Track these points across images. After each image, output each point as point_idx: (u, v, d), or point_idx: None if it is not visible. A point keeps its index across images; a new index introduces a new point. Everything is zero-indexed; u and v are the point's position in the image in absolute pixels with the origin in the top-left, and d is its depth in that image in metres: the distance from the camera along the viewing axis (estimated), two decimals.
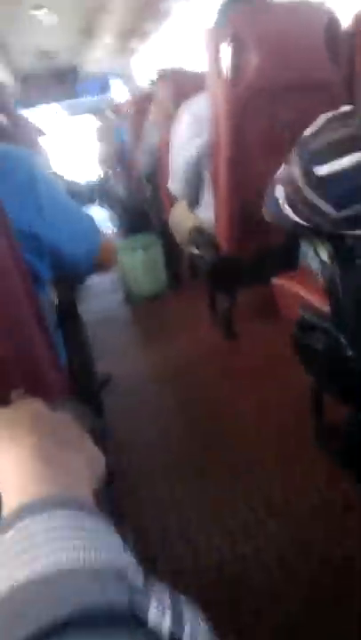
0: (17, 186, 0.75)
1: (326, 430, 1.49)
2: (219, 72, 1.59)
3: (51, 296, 0.98)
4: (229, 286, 2.17)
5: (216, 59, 1.58)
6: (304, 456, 1.44)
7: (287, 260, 1.56)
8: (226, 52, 1.56)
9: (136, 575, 0.26)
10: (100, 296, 3.24)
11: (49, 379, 0.76)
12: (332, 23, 1.59)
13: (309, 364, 1.32)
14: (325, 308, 1.17)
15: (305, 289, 1.30)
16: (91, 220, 0.92)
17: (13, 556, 0.26)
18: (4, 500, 0.33)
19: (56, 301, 0.95)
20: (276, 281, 1.45)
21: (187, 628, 0.24)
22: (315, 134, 0.88)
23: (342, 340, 1.08)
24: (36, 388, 0.41)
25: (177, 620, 0.24)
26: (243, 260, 1.99)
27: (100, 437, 0.47)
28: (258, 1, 1.64)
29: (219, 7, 1.68)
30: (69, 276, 0.95)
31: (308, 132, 0.91)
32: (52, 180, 0.83)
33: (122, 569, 0.26)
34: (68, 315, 0.97)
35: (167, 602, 0.25)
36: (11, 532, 0.28)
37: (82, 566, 0.25)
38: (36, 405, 0.42)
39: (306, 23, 1.60)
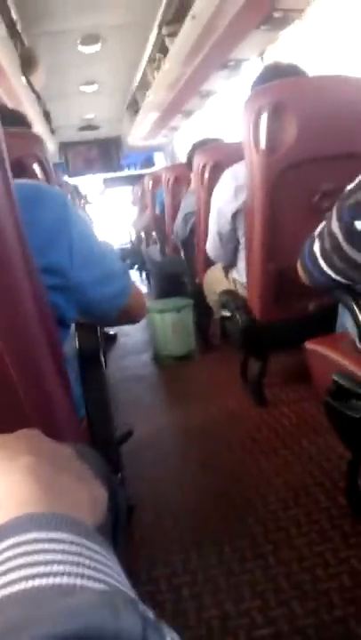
0: (49, 223, 0.74)
1: None
2: (256, 140, 1.63)
3: (74, 341, 0.96)
4: (261, 351, 2.12)
5: (254, 126, 1.61)
6: (335, 533, 1.33)
7: (322, 324, 1.51)
8: (264, 119, 1.59)
9: (146, 609, 0.22)
10: (128, 355, 3.23)
11: (65, 427, 0.72)
12: None
13: (344, 432, 1.24)
14: None
15: (339, 353, 1.24)
16: (122, 266, 0.91)
17: (10, 569, 0.23)
18: None
19: (76, 346, 0.92)
20: (308, 345, 1.40)
21: None
22: (355, 189, 0.86)
23: None
24: (51, 434, 0.37)
25: None
26: (276, 325, 1.94)
27: (114, 488, 0.43)
28: (295, 73, 1.70)
29: (254, 81, 1.74)
30: (95, 321, 0.93)
31: (349, 187, 0.89)
32: (84, 221, 0.82)
33: (134, 598, 0.22)
34: (90, 362, 0.94)
35: None
36: (8, 542, 0.24)
37: (92, 585, 0.22)
38: (37, 432, 0.38)
39: (346, 96, 1.63)
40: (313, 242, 1.03)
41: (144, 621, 0.20)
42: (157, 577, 1.29)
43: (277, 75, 1.68)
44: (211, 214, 2.09)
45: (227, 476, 1.67)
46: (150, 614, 0.21)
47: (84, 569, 0.23)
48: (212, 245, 2.14)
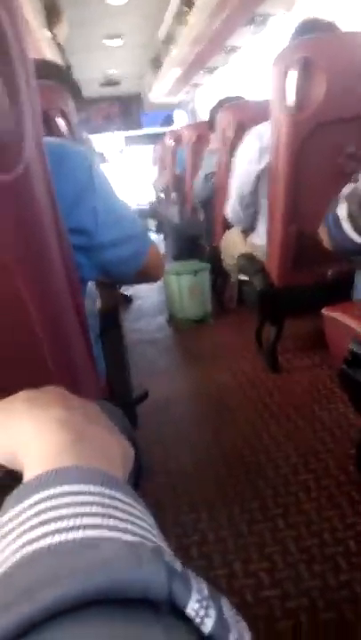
0: (75, 184, 0.73)
1: None
2: (284, 98, 1.57)
3: (95, 302, 0.95)
4: (277, 317, 2.11)
5: (282, 84, 1.56)
6: (343, 499, 1.35)
7: (340, 291, 1.49)
8: (293, 77, 1.53)
9: (174, 559, 0.21)
10: (143, 318, 3.24)
11: (86, 385, 0.73)
12: None
13: (358, 400, 1.24)
14: None
15: (358, 321, 1.23)
16: (141, 226, 0.90)
17: (33, 526, 0.22)
18: (26, 475, 0.29)
19: (98, 307, 0.92)
20: (326, 312, 1.38)
21: (231, 637, 0.19)
22: None
23: None
24: (73, 391, 0.37)
25: (221, 622, 0.19)
26: (293, 291, 1.93)
27: (136, 445, 0.43)
28: (330, 31, 1.63)
29: (291, 34, 1.67)
30: (113, 280, 0.92)
31: None
32: (107, 181, 0.81)
33: (159, 548, 0.21)
34: (110, 323, 0.94)
35: (209, 598, 0.20)
36: (34, 498, 0.24)
37: (120, 536, 0.21)
38: (62, 389, 0.38)
39: None
40: (338, 204, 1.00)
41: (169, 571, 0.20)
42: (167, 536, 1.31)
43: (313, 30, 1.61)
44: (233, 176, 2.05)
45: (239, 440, 1.69)
46: (177, 564, 0.21)
47: (112, 520, 0.23)
48: (232, 208, 2.10)
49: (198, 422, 1.85)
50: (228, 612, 0.20)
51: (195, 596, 0.20)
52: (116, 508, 0.24)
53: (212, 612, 0.19)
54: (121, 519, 0.23)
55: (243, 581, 1.15)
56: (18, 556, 0.21)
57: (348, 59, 1.54)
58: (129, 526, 0.23)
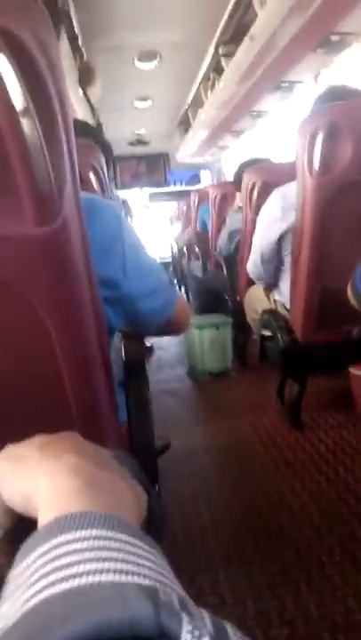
0: (104, 236, 0.76)
1: None
2: (310, 160, 1.62)
3: (120, 351, 0.96)
4: (300, 373, 2.08)
5: (308, 147, 1.61)
6: None
7: None
8: (319, 141, 1.58)
9: (169, 595, 0.22)
10: (164, 368, 3.24)
11: (107, 433, 0.72)
12: None
13: None
14: None
15: None
16: (168, 278, 0.92)
17: (35, 580, 0.23)
18: (40, 520, 0.29)
19: (123, 356, 0.93)
20: (354, 370, 1.37)
21: None
22: None
23: None
24: (94, 438, 0.38)
25: None
26: (317, 348, 1.91)
27: (151, 496, 0.42)
28: (356, 97, 1.69)
29: (316, 98, 1.74)
30: (139, 331, 0.93)
31: None
32: (135, 234, 0.84)
33: (149, 585, 0.22)
34: (135, 373, 0.94)
35: (208, 625, 0.20)
36: (41, 549, 0.25)
37: (107, 581, 0.22)
38: (79, 435, 0.38)
39: None
40: None
41: (156, 607, 0.20)
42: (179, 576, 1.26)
43: (339, 96, 1.68)
44: (255, 234, 2.09)
45: (260, 498, 1.64)
46: (173, 599, 0.21)
47: (110, 563, 0.23)
48: (253, 265, 2.13)
49: (218, 477, 1.81)
50: (234, 636, 0.21)
51: (186, 628, 0.20)
52: (122, 550, 0.24)
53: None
54: (126, 561, 0.24)
55: None
56: (21, 611, 0.21)
57: None
58: (133, 568, 0.23)
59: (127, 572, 0.23)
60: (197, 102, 4.80)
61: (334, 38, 2.73)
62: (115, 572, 0.23)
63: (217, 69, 3.84)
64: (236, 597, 1.24)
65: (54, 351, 0.61)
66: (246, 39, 2.87)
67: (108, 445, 0.70)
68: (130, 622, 0.19)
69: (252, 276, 2.23)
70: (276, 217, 1.90)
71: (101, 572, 0.22)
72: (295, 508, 1.57)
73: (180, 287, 6.17)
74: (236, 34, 3.23)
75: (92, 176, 1.37)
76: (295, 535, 1.44)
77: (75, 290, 0.60)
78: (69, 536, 0.25)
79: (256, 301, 2.36)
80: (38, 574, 0.23)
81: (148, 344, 3.64)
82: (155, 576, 0.24)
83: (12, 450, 0.36)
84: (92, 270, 0.63)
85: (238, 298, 2.80)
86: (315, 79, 3.42)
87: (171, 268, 6.67)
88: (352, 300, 1.14)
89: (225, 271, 3.18)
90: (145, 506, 0.37)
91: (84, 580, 0.22)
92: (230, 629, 0.21)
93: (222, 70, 3.58)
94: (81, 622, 0.19)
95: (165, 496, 1.66)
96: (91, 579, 0.22)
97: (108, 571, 0.22)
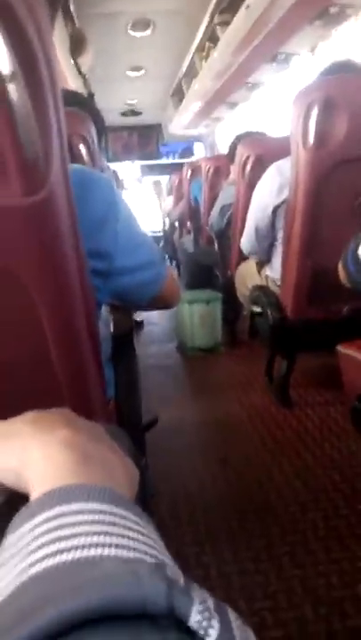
0: (98, 209, 0.74)
1: None
2: (304, 134, 1.59)
3: (108, 326, 0.95)
4: (289, 350, 2.09)
5: (303, 121, 1.58)
6: (352, 541, 1.31)
7: (354, 328, 1.48)
8: (314, 114, 1.55)
9: (176, 573, 0.22)
10: (154, 344, 3.24)
11: (95, 407, 0.72)
12: None
13: None
14: None
15: None
16: (159, 253, 0.90)
17: (35, 548, 0.23)
18: (32, 495, 0.29)
19: (111, 330, 0.92)
20: (341, 348, 1.37)
21: None
22: None
23: None
24: (82, 413, 0.37)
25: (225, 632, 0.19)
26: (306, 325, 1.91)
27: (142, 469, 0.42)
28: (356, 71, 1.65)
29: (320, 72, 1.70)
30: (128, 305, 0.92)
31: None
32: (128, 207, 0.82)
33: (160, 563, 0.22)
34: (123, 347, 0.93)
35: (212, 607, 0.20)
36: (38, 519, 0.24)
37: (120, 553, 0.22)
38: (69, 410, 0.38)
39: None
40: (358, 243, 1.00)
41: (169, 586, 0.20)
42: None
43: (343, 71, 1.64)
44: (251, 208, 2.06)
45: (247, 474, 1.66)
46: (180, 578, 0.21)
47: (112, 538, 0.23)
48: (247, 239, 2.11)
49: (206, 452, 1.82)
50: (235, 621, 0.21)
51: (196, 608, 0.20)
52: (119, 525, 0.24)
53: (215, 623, 0.19)
54: (124, 536, 0.23)
55: (246, 620, 1.10)
56: (22, 578, 0.21)
57: None
58: (132, 543, 0.23)
59: (129, 548, 0.23)
60: (192, 72, 4.70)
61: (333, 10, 2.66)
62: (117, 546, 0.22)
63: (212, 39, 3.74)
64: (220, 571, 1.25)
65: (41, 324, 0.60)
66: (242, 8, 2.79)
67: (97, 420, 0.70)
68: (142, 599, 0.19)
69: (245, 251, 2.21)
70: (271, 191, 1.88)
71: (104, 545, 0.22)
72: (281, 484, 1.58)
73: (171, 262, 6.14)
74: (232, 2, 3.13)
75: (81, 147, 1.34)
76: (281, 511, 1.46)
77: (61, 261, 0.58)
78: (66, 508, 0.25)
79: (247, 277, 2.35)
80: (37, 543, 0.23)
81: (138, 319, 3.63)
82: (154, 553, 0.24)
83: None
84: (79, 242, 0.61)
85: (229, 273, 2.79)
86: (312, 52, 3.35)
87: (162, 243, 6.61)
88: (343, 278, 1.13)
89: (216, 246, 3.16)
90: (137, 480, 0.37)
91: (91, 552, 0.22)
92: (231, 613, 0.21)
93: (217, 40, 3.50)
94: (93, 595, 0.19)
95: (153, 470, 1.67)
96: (94, 552, 0.22)
97: (110, 545, 0.22)
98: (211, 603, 0.21)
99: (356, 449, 1.70)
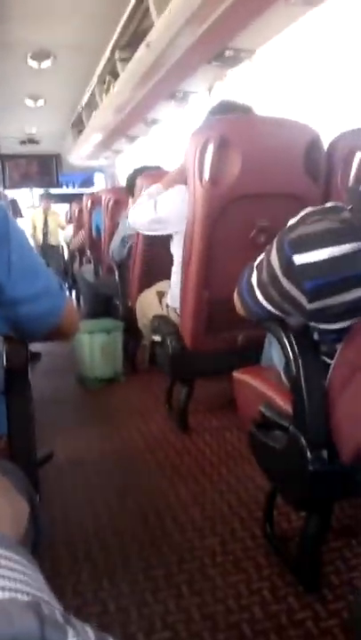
0: None
1: (278, 536, 1.40)
2: (200, 171, 1.66)
3: (1, 358, 0.92)
4: (188, 378, 2.13)
5: (199, 157, 1.65)
6: (248, 564, 1.33)
7: (249, 356, 1.54)
8: (210, 152, 1.63)
9: (52, 610, 0.22)
10: (51, 375, 3.15)
11: None
12: (315, 144, 1.70)
13: (266, 463, 1.26)
14: (287, 406, 1.13)
15: (267, 385, 1.27)
16: (57, 282, 0.89)
17: None
18: None
19: (4, 363, 0.88)
20: (237, 375, 1.42)
21: None
22: (297, 225, 0.90)
23: (302, 440, 1.03)
24: None
25: None
26: (205, 354, 1.97)
27: (35, 505, 0.41)
28: (242, 111, 1.77)
29: (209, 110, 1.79)
30: (24, 337, 0.90)
31: (290, 222, 0.93)
32: (23, 235, 0.81)
33: (32, 601, 0.22)
34: (16, 381, 0.90)
35: (93, 638, 0.21)
36: None
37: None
38: None
39: (289, 139, 1.71)
40: (251, 272, 1.06)
41: (41, 622, 0.20)
42: (65, 607, 1.23)
43: (230, 110, 1.74)
44: (159, 207, 2.01)
45: (145, 504, 1.65)
46: (55, 614, 0.21)
47: None
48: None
49: (103, 486, 1.79)
50: None
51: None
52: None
53: None
54: (2, 576, 0.24)
55: None
56: None
57: (262, 140, 1.67)
58: (7, 583, 0.23)
59: (3, 589, 0.22)
60: (92, 104, 4.75)
61: (228, 53, 2.85)
62: None
63: (113, 73, 3.82)
64: (119, 605, 1.22)
65: None
66: (142, 45, 2.90)
67: None
68: (13, 637, 0.19)
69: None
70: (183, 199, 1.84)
71: None
72: (179, 511, 1.59)
73: (70, 292, 6.05)
74: (133, 39, 3.24)
75: None
76: (179, 539, 1.46)
77: None
78: None
79: (148, 306, 2.38)
80: None
81: (34, 350, 3.52)
82: (32, 591, 0.23)
83: None
84: None
85: (130, 303, 2.80)
86: (208, 91, 3.54)
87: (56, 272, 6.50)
88: (238, 306, 1.18)
89: (117, 276, 3.18)
90: (24, 520, 0.36)
91: None
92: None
93: (118, 74, 3.58)
94: None
95: (48, 507, 1.61)
96: None
97: None
98: (90, 634, 0.21)
99: (251, 473, 1.75)
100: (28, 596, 0.22)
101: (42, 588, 0.25)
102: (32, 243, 6.27)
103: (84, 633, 0.21)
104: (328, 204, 0.91)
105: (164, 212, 1.97)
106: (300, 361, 1.03)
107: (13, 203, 6.13)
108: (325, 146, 1.74)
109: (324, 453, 1.00)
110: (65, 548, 1.44)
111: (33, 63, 3.83)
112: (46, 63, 3.84)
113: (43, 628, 0.20)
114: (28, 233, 6.56)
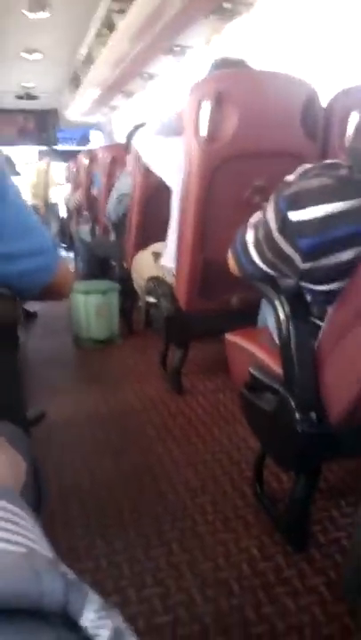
0: None
1: (267, 496, 1.42)
2: (197, 127, 1.61)
3: None
4: (183, 340, 2.13)
5: (196, 115, 1.60)
6: (238, 523, 1.36)
7: (245, 318, 1.53)
8: (206, 109, 1.58)
9: (68, 570, 0.22)
10: (48, 335, 3.15)
11: None
12: (311, 100, 1.65)
13: (256, 424, 1.27)
14: (277, 368, 1.13)
15: (258, 347, 1.27)
16: (52, 241, 0.87)
17: None
18: None
19: None
20: (229, 337, 1.42)
21: None
22: (294, 181, 0.87)
23: (292, 402, 1.03)
24: None
25: (117, 634, 0.19)
26: (199, 315, 1.96)
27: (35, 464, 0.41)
28: (244, 67, 1.70)
29: (210, 65, 1.73)
30: (16, 294, 0.88)
31: (287, 178, 0.90)
32: (18, 192, 0.79)
33: (53, 559, 0.22)
34: (4, 335, 0.89)
35: (106, 609, 0.20)
36: None
37: (12, 548, 0.22)
38: None
39: (285, 96, 1.66)
40: (246, 230, 1.03)
41: (65, 582, 0.20)
42: (58, 541, 1.25)
43: (232, 65, 1.68)
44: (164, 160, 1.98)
45: (139, 464, 1.67)
46: (72, 575, 0.21)
47: (3, 533, 0.23)
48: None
49: (98, 446, 1.81)
50: (122, 624, 0.21)
51: (91, 607, 0.19)
52: (4, 519, 0.24)
53: (109, 623, 0.19)
54: (7, 530, 0.23)
55: (136, 608, 1.11)
56: None
57: (261, 96, 1.61)
58: (16, 537, 0.23)
59: (17, 543, 0.22)
60: (89, 59, 4.60)
61: (226, 5, 2.74)
62: (7, 541, 0.22)
63: (109, 26, 3.68)
64: (111, 561, 1.25)
65: None
66: None
67: None
68: (39, 595, 0.18)
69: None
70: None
71: None
72: (173, 472, 1.61)
73: (68, 252, 6.00)
74: None
75: None
76: (172, 498, 1.48)
77: None
78: None
79: (143, 268, 2.35)
80: None
81: (31, 310, 3.51)
82: (32, 545, 0.23)
83: None
84: None
85: (126, 264, 2.78)
86: (207, 44, 3.42)
87: (57, 231, 6.42)
88: (231, 265, 1.16)
89: (113, 236, 3.14)
90: (23, 474, 0.37)
91: None
92: (119, 616, 0.21)
93: (114, 27, 3.45)
94: None
95: (43, 465, 1.63)
96: None
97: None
98: (102, 603, 0.21)
99: (243, 434, 1.77)
100: (47, 553, 0.23)
101: (49, 549, 0.25)
102: (34, 201, 6.19)
103: (97, 601, 0.20)
104: (327, 161, 0.89)
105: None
106: (290, 322, 1.02)
107: (8, 160, 6.00)
108: (324, 104, 1.68)
109: (313, 415, 1.00)
110: (60, 505, 1.47)
111: (29, 14, 3.68)
112: (42, 14, 3.69)
113: (67, 586, 0.19)
114: (28, 191, 6.43)
